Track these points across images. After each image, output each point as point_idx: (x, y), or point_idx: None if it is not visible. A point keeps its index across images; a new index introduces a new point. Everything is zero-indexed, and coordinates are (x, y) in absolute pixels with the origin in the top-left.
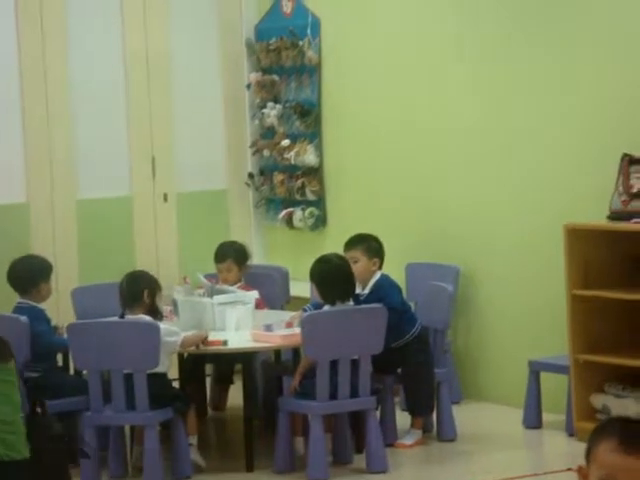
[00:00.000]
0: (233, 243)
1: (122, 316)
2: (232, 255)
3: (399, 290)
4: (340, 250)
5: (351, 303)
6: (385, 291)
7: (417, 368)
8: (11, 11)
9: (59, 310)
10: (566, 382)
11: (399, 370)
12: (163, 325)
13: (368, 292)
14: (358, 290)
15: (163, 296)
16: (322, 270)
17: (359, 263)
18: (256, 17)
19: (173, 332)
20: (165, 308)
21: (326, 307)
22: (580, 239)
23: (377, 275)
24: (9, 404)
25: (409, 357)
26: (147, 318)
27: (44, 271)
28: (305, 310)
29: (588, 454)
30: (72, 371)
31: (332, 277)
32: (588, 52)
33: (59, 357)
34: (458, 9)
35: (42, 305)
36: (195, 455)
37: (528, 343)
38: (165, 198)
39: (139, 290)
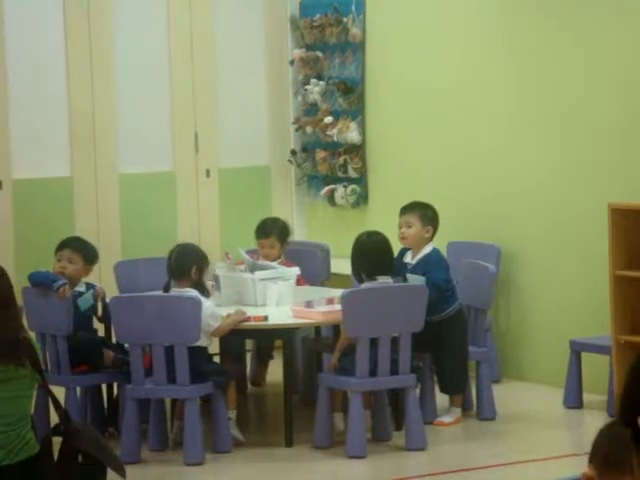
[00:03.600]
0: (276, 219)
1: (167, 287)
2: (276, 231)
3: (446, 267)
4: (381, 228)
5: (389, 279)
6: (431, 266)
7: (450, 346)
8: None
9: (102, 284)
10: (607, 363)
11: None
12: (210, 304)
13: (415, 263)
14: (408, 259)
15: (208, 271)
16: (357, 245)
17: (413, 228)
18: None
19: (216, 316)
20: (208, 283)
21: (366, 284)
22: (624, 219)
23: (428, 248)
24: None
25: (442, 335)
26: (192, 292)
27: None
28: None
29: (596, 459)
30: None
31: (367, 252)
32: (630, 37)
33: (101, 329)
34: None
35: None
36: (234, 429)
37: (569, 323)
38: (207, 174)
39: (188, 265)
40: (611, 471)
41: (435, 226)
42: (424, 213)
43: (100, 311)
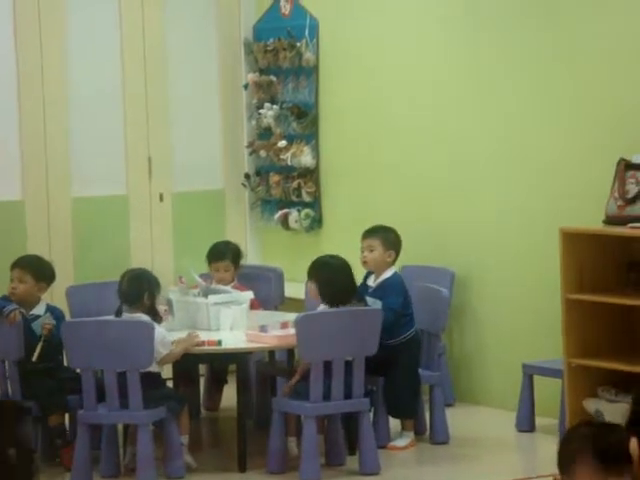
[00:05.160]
0: (228, 242)
1: (119, 312)
2: (229, 254)
3: (404, 293)
4: (335, 251)
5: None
6: (388, 291)
7: (401, 371)
8: (9, 8)
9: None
10: (560, 386)
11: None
12: (161, 330)
13: (375, 287)
14: (370, 282)
15: (160, 297)
16: (325, 270)
17: (375, 252)
18: (254, 17)
19: (165, 344)
20: (160, 308)
21: (320, 307)
22: (576, 243)
23: (389, 272)
24: None
25: (394, 359)
26: (144, 317)
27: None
28: None
29: (563, 467)
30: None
31: (336, 278)
32: (589, 57)
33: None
34: (458, 12)
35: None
36: (186, 455)
37: (522, 347)
38: (161, 198)
39: (140, 291)
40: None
41: (397, 250)
42: (386, 237)
43: (37, 353)
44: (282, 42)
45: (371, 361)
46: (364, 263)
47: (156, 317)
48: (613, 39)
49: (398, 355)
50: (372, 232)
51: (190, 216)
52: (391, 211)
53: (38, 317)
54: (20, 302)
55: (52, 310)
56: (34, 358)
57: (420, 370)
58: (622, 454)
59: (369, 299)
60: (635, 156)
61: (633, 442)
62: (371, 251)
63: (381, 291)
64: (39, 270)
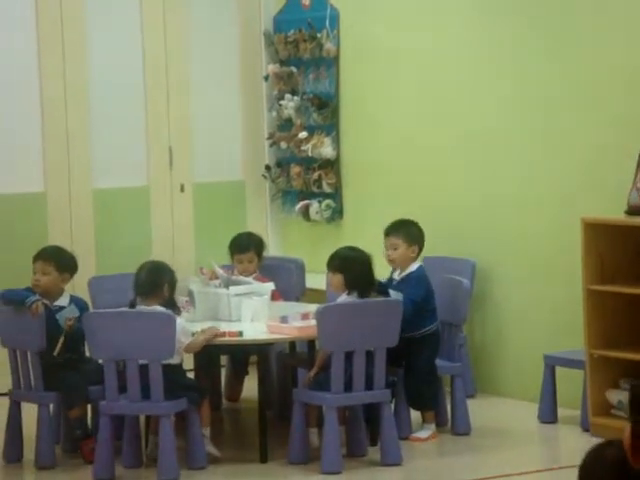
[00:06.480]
0: (251, 234)
1: (132, 304)
2: (253, 246)
3: (426, 286)
4: (356, 242)
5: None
6: (410, 283)
7: (419, 363)
8: (32, 5)
9: None
10: (582, 377)
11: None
12: (181, 321)
13: (399, 280)
14: (395, 275)
15: (178, 287)
16: (351, 262)
17: (398, 250)
18: (274, 9)
19: (187, 333)
20: (182, 299)
21: (341, 298)
22: (597, 234)
23: (414, 266)
24: None
25: (413, 351)
26: (163, 309)
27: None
28: None
29: None
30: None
31: (362, 269)
32: (614, 45)
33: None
34: (477, 2)
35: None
36: (209, 446)
37: (544, 338)
38: (182, 189)
39: (160, 282)
40: None
41: (421, 244)
42: (408, 233)
43: (58, 348)
44: (303, 33)
45: (392, 353)
46: (390, 262)
47: (174, 309)
48: (638, 26)
49: (418, 348)
50: (394, 230)
51: (211, 207)
52: (411, 202)
53: (63, 308)
54: (44, 294)
55: (76, 301)
56: (55, 353)
57: (441, 361)
58: None
59: (392, 292)
60: None
61: (626, 430)
62: (395, 249)
63: (404, 284)
64: (62, 261)
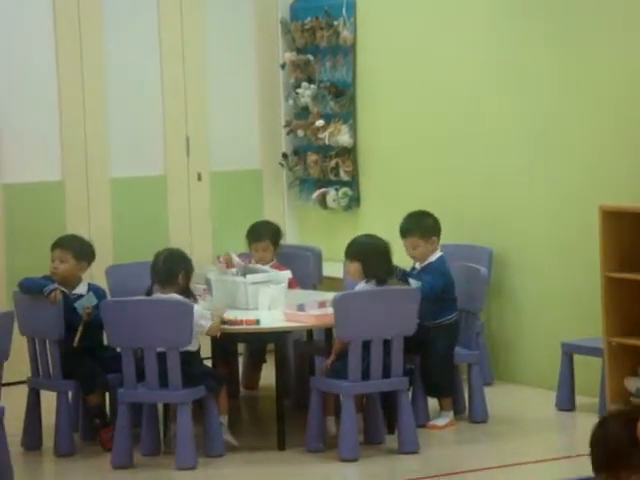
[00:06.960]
0: (268, 222)
1: (149, 292)
2: (269, 234)
3: (445, 276)
4: (373, 230)
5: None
6: (429, 274)
7: (435, 350)
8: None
9: None
10: (599, 365)
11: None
12: (197, 307)
13: (419, 269)
14: (417, 264)
15: (196, 275)
16: (370, 249)
17: (419, 249)
18: None
19: (205, 316)
20: (199, 287)
21: (359, 286)
22: (616, 221)
23: (435, 256)
24: None
25: (433, 341)
26: (180, 297)
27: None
28: None
29: (607, 469)
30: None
31: (381, 257)
32: (633, 39)
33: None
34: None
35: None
36: (226, 434)
37: (562, 325)
38: (199, 177)
39: (176, 270)
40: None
41: (438, 234)
42: (423, 227)
43: (77, 337)
44: (319, 21)
45: (410, 341)
46: (413, 258)
47: (190, 297)
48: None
49: (437, 337)
50: (408, 232)
51: (228, 195)
52: (428, 190)
53: (81, 296)
54: (62, 282)
55: (94, 290)
56: (75, 343)
57: (458, 349)
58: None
59: (412, 281)
60: None
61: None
62: (415, 248)
63: (424, 273)
64: (80, 250)
